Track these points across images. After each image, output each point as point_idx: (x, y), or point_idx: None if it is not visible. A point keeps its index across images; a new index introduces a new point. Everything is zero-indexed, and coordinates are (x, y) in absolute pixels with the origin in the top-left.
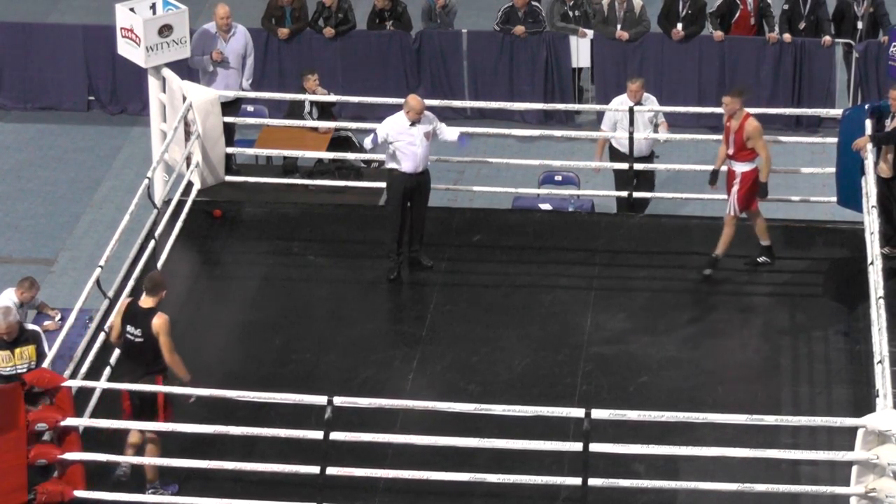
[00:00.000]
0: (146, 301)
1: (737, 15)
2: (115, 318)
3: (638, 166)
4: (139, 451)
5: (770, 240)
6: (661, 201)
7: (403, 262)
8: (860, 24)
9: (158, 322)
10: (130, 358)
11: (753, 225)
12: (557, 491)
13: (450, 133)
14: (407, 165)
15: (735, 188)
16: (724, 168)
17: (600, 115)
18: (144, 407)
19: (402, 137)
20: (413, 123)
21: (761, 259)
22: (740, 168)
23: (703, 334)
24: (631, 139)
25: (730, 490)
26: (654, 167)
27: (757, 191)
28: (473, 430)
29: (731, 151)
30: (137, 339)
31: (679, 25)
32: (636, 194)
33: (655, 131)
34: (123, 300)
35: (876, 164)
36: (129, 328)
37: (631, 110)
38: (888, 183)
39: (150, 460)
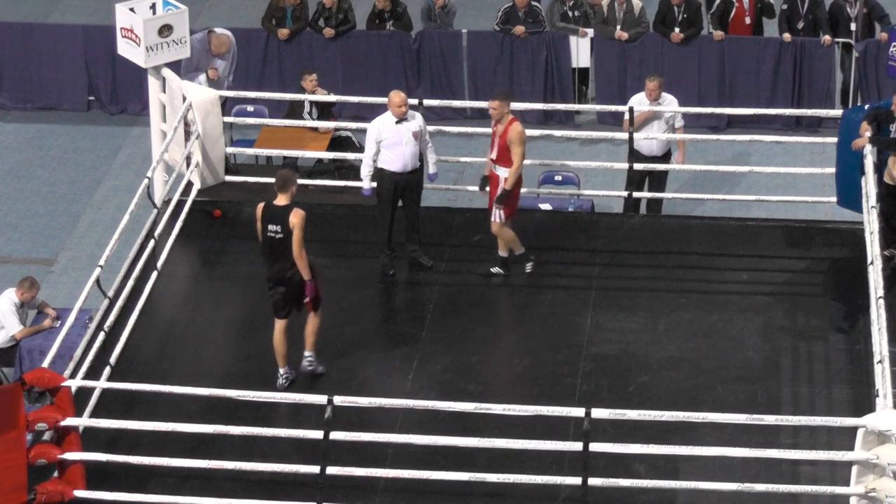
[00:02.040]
0: (280, 199)
1: (732, 13)
2: (257, 225)
3: (638, 166)
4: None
5: (508, 253)
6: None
7: (398, 258)
8: (853, 26)
9: (295, 218)
10: (274, 254)
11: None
12: (557, 491)
13: (432, 165)
14: (395, 164)
15: (499, 194)
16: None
17: (601, 115)
18: (289, 297)
19: (389, 136)
20: (399, 121)
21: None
22: (503, 173)
23: (703, 334)
24: (631, 138)
25: (730, 490)
26: (655, 167)
27: (517, 198)
28: (473, 430)
29: (493, 156)
30: (278, 236)
31: (676, 30)
32: (640, 194)
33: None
34: (258, 207)
35: (882, 169)
36: (270, 227)
37: (631, 110)
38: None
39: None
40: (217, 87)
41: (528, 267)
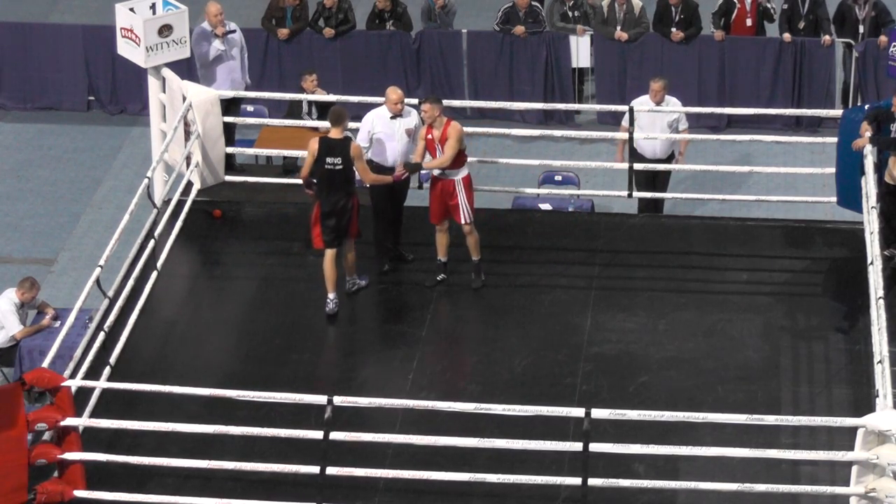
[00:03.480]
0: (335, 133)
1: (734, 14)
2: (307, 160)
3: (638, 166)
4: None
5: (479, 255)
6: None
7: (392, 255)
8: (861, 28)
9: (355, 149)
10: (331, 186)
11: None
12: (557, 491)
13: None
14: (384, 158)
15: (462, 196)
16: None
17: (601, 115)
18: (339, 226)
19: (383, 129)
20: (394, 117)
21: (484, 278)
22: (458, 175)
23: (703, 334)
24: (631, 138)
25: (730, 490)
26: (656, 167)
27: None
28: (473, 430)
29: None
30: (338, 167)
31: (673, 30)
32: (640, 194)
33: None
34: (311, 141)
35: (882, 169)
36: (329, 159)
37: (631, 110)
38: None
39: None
40: (237, 79)
41: (483, 278)
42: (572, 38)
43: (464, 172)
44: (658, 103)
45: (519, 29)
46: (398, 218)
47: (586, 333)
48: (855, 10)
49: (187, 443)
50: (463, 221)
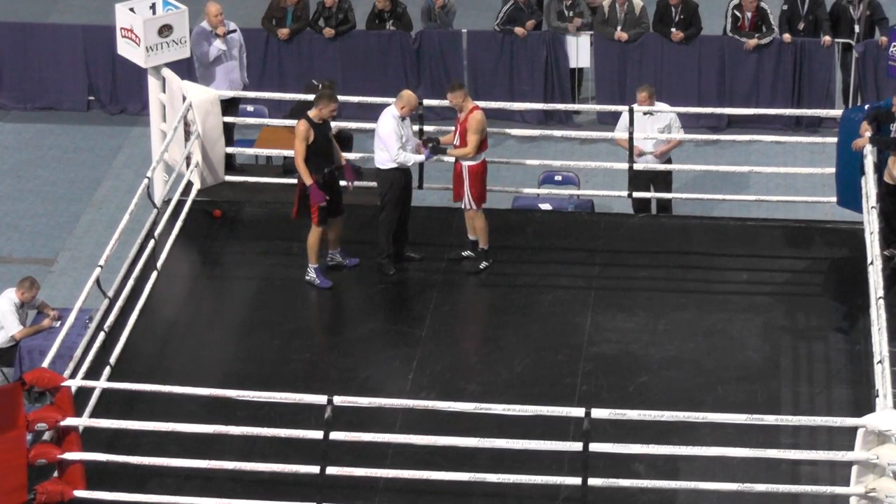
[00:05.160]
0: (312, 111)
1: (738, 25)
2: None
3: (638, 166)
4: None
5: (488, 244)
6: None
7: (398, 257)
8: (857, 28)
9: (297, 126)
10: None
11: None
12: (557, 491)
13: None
14: (410, 158)
15: (466, 184)
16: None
17: (600, 115)
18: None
19: (405, 133)
20: (403, 118)
21: (483, 265)
22: (468, 162)
23: (703, 334)
24: (631, 139)
25: (730, 490)
26: (656, 167)
27: (484, 187)
28: (473, 430)
29: (457, 143)
30: None
31: (673, 30)
32: (640, 194)
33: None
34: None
35: (882, 169)
36: None
37: (631, 111)
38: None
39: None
40: (236, 79)
41: (483, 265)
42: (572, 39)
43: (474, 161)
44: (648, 112)
45: (519, 29)
46: (407, 217)
47: (586, 333)
48: (850, 10)
49: (187, 443)
50: (463, 207)
